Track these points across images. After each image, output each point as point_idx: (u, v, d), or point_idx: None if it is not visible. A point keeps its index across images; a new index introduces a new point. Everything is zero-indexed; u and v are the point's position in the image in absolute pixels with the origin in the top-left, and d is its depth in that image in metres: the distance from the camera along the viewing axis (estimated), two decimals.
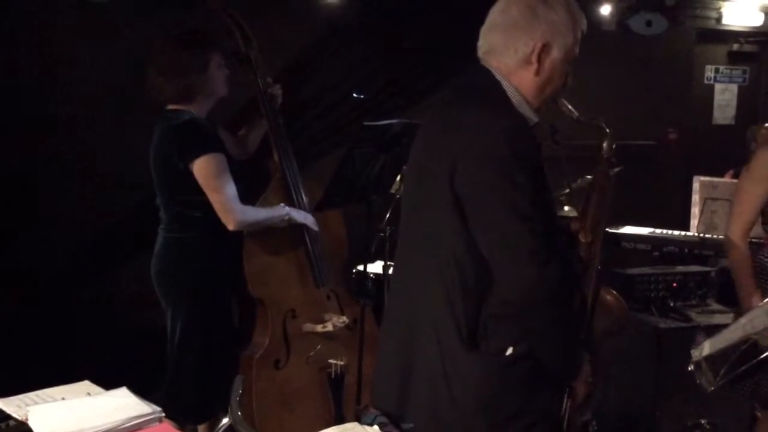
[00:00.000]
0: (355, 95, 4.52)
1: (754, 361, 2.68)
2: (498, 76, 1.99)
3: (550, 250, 1.85)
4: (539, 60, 1.96)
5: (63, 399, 1.90)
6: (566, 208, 4.38)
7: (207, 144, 2.96)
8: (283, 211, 3.13)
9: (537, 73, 1.98)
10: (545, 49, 1.96)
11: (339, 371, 3.28)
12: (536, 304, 1.88)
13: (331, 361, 3.28)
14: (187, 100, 3.02)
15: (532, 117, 2.01)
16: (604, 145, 2.26)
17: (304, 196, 3.24)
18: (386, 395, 2.10)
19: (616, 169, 2.29)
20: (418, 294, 2.02)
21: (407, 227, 2.13)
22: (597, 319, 2.25)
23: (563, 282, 1.90)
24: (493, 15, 2.01)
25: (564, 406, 2.11)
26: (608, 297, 2.31)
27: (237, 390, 1.89)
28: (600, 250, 2.26)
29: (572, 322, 2.01)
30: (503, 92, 1.98)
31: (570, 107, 2.16)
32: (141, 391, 1.98)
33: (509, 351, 1.92)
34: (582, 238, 2.25)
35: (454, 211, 1.91)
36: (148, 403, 1.89)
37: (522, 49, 1.96)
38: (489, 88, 1.98)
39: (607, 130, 2.24)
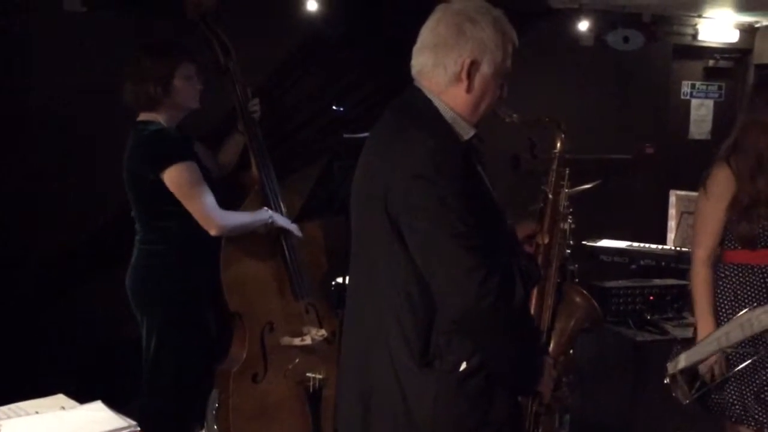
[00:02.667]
0: (334, 108, 4.53)
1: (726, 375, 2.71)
2: (429, 95, 2.00)
3: (489, 264, 1.83)
4: (469, 77, 1.97)
5: (37, 413, 1.88)
6: None
7: (176, 153, 2.94)
8: (266, 214, 3.11)
9: (468, 90, 1.98)
10: (474, 65, 1.97)
11: (317, 385, 3.27)
12: (482, 320, 1.86)
13: (309, 374, 3.26)
14: (151, 108, 3.01)
15: (467, 132, 2.00)
16: (558, 143, 2.30)
17: (283, 208, 3.23)
18: (350, 423, 2.09)
19: (593, 184, 2.31)
20: (370, 319, 2.02)
21: (354, 254, 2.12)
22: (566, 319, 2.26)
23: (507, 294, 1.87)
24: (423, 35, 2.02)
25: (529, 410, 2.12)
26: (575, 296, 2.31)
27: (213, 404, 1.88)
28: (559, 250, 2.26)
29: (523, 331, 1.99)
30: (435, 110, 1.98)
31: (512, 114, 2.18)
32: (116, 404, 1.96)
33: (463, 366, 1.91)
34: (539, 241, 2.25)
35: (392, 235, 1.90)
36: (122, 416, 1.88)
37: (451, 67, 1.97)
38: (421, 107, 1.99)
39: (560, 127, 2.26)
